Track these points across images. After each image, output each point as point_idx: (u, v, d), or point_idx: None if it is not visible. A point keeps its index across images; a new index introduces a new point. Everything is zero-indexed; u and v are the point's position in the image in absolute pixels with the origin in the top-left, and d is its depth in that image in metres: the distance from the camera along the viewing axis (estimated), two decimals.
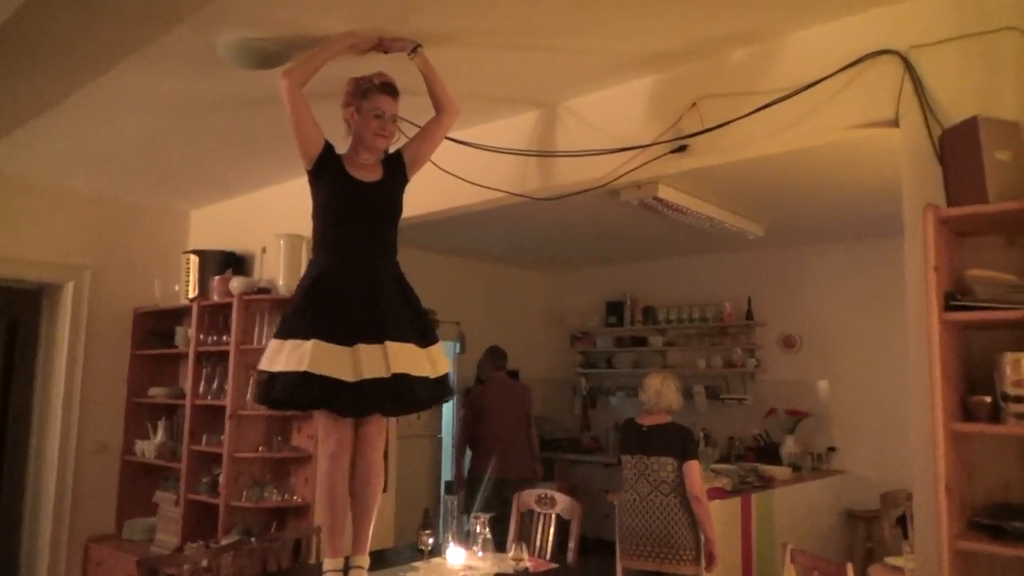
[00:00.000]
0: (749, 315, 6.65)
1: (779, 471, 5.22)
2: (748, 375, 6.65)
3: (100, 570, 4.44)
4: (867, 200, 4.84)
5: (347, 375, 2.21)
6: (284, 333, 2.31)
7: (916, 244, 2.15)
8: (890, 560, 3.48)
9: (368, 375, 2.21)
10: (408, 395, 2.29)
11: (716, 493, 4.26)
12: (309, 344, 2.22)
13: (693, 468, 3.52)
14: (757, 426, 6.35)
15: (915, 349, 2.18)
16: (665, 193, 4.50)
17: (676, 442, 3.60)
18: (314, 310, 2.31)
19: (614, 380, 7.63)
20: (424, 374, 2.33)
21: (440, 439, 6.87)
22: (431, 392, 2.38)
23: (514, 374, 6.22)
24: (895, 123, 2.33)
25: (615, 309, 7.55)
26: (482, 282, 7.46)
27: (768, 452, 5.99)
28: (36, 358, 4.90)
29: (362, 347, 2.24)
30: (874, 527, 5.48)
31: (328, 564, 2.37)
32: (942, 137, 2.10)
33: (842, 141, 3.41)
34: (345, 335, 2.26)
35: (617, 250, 6.96)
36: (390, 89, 2.42)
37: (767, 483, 4.92)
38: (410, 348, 2.32)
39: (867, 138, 3.41)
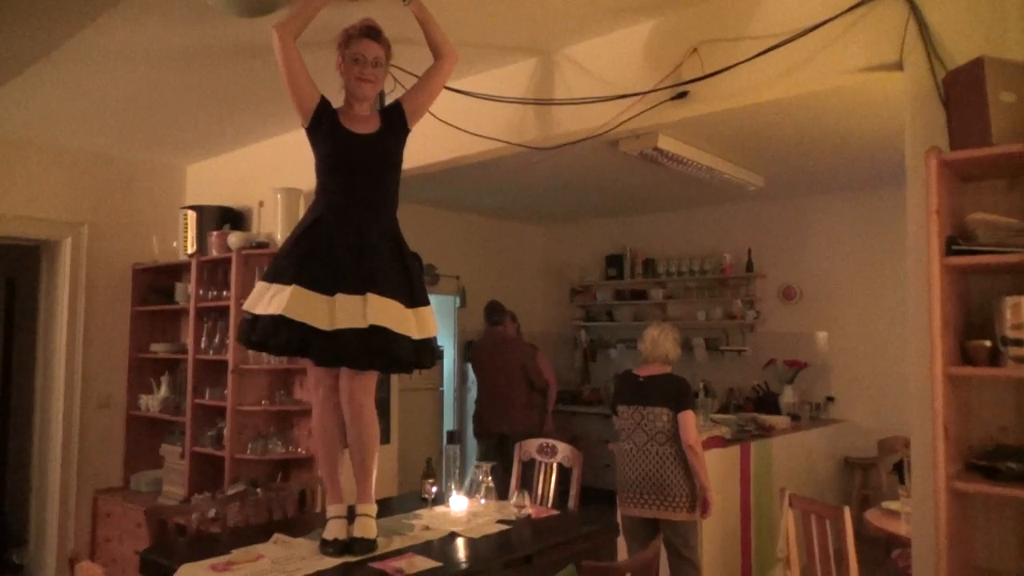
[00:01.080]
0: (749, 267, 6.65)
1: (778, 420, 5.28)
2: (747, 327, 6.69)
3: (109, 521, 4.52)
4: (867, 150, 4.80)
5: (323, 323, 2.21)
6: (270, 276, 2.32)
7: (918, 189, 2.14)
8: (886, 504, 3.53)
9: (344, 325, 2.20)
10: (384, 349, 2.23)
11: (715, 442, 4.31)
12: (289, 289, 2.23)
13: (687, 418, 3.54)
14: (756, 377, 6.40)
15: (915, 294, 2.18)
16: (665, 143, 4.45)
17: (671, 392, 3.62)
18: (300, 256, 2.31)
19: (614, 333, 7.66)
20: (406, 332, 2.28)
21: (442, 392, 6.94)
22: (412, 352, 2.32)
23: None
24: (899, 66, 2.28)
25: (615, 262, 7.55)
26: (482, 236, 7.45)
27: (767, 402, 6.05)
28: (37, 315, 4.92)
29: (342, 296, 2.23)
30: (871, 474, 5.58)
31: (331, 511, 2.40)
32: (947, 78, 2.07)
33: (844, 87, 3.38)
34: (327, 283, 2.25)
35: (617, 203, 6.93)
36: (370, 32, 2.37)
37: (766, 432, 4.97)
38: (394, 304, 2.28)
39: (868, 84, 3.37)
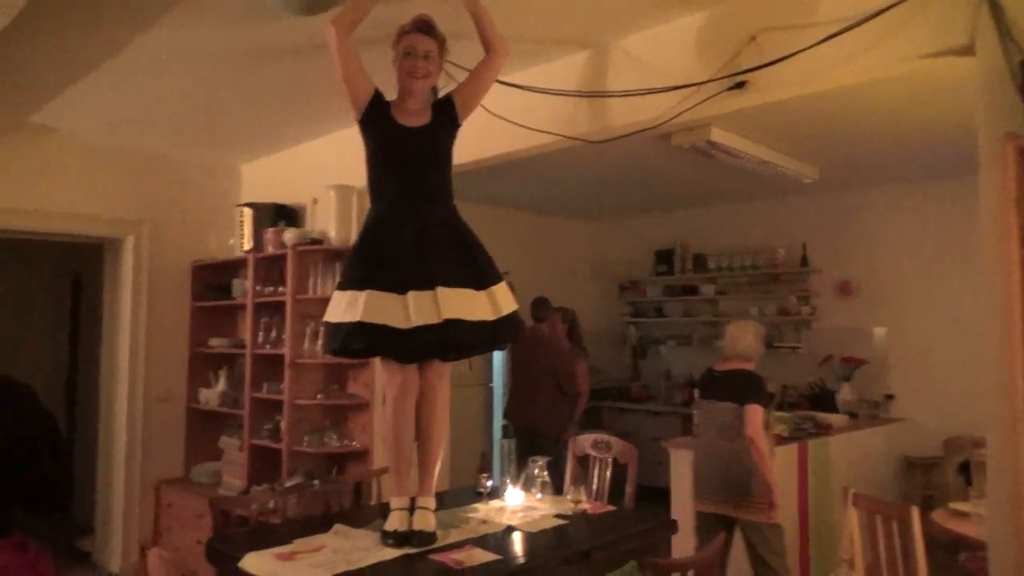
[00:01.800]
0: (804, 262, 6.50)
1: (835, 418, 5.15)
2: (803, 323, 6.53)
3: (171, 511, 4.65)
4: (927, 139, 4.63)
5: (400, 323, 2.25)
6: (343, 285, 2.38)
7: (992, 177, 2.05)
8: (954, 505, 3.42)
9: (420, 322, 2.23)
10: (460, 340, 2.30)
11: (773, 440, 4.22)
12: (363, 295, 2.27)
13: (751, 411, 3.46)
14: (811, 374, 6.25)
15: (990, 288, 2.09)
16: (718, 136, 4.37)
17: (740, 387, 3.57)
18: (367, 260, 2.36)
19: (664, 329, 7.58)
20: (481, 318, 2.31)
21: (492, 388, 6.95)
22: (489, 335, 2.36)
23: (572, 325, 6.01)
24: (970, 50, 2.20)
25: (665, 257, 7.45)
26: (529, 232, 7.43)
27: (823, 400, 5.90)
28: (101, 311, 5.08)
29: (413, 294, 2.26)
30: (933, 474, 5.40)
31: (395, 503, 2.42)
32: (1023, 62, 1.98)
33: (907, 74, 3.25)
34: (397, 283, 2.29)
35: (666, 197, 6.83)
36: (422, 26, 2.39)
37: (824, 430, 4.86)
38: (463, 293, 2.30)
39: (931, 71, 3.24)
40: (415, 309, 2.25)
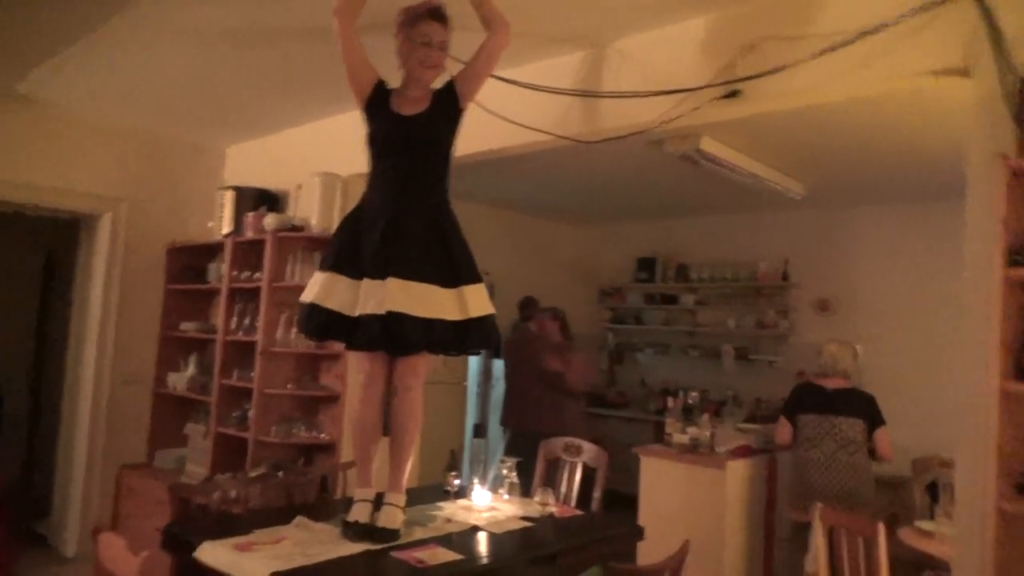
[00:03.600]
0: (785, 276, 6.53)
1: None
2: (780, 337, 6.56)
3: (131, 497, 4.55)
4: (915, 162, 4.67)
5: (347, 309, 2.24)
6: (320, 265, 2.40)
7: (979, 199, 2.06)
8: (920, 524, 3.43)
9: (365, 311, 2.20)
10: (399, 334, 2.18)
11: (742, 451, 4.22)
12: (323, 276, 2.30)
13: (884, 433, 3.87)
14: (786, 388, 6.23)
15: (970, 308, 2.09)
16: (708, 145, 4.37)
17: (865, 406, 3.89)
18: (339, 242, 2.37)
19: (642, 337, 7.57)
20: (435, 315, 2.22)
21: (466, 386, 6.91)
22: (453, 334, 2.26)
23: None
24: (966, 72, 2.20)
25: (647, 265, 7.46)
26: (513, 233, 7.39)
27: None
28: (72, 288, 4.97)
29: (366, 282, 2.24)
30: (900, 492, 5.42)
31: (358, 494, 2.38)
32: (1021, 85, 1.98)
33: (898, 95, 3.28)
34: (358, 269, 2.28)
35: (652, 206, 6.84)
36: (438, 15, 2.34)
37: None
38: (420, 288, 2.22)
39: (924, 93, 3.27)
40: (364, 297, 2.22)
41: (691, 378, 6.99)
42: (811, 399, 3.98)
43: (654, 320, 7.49)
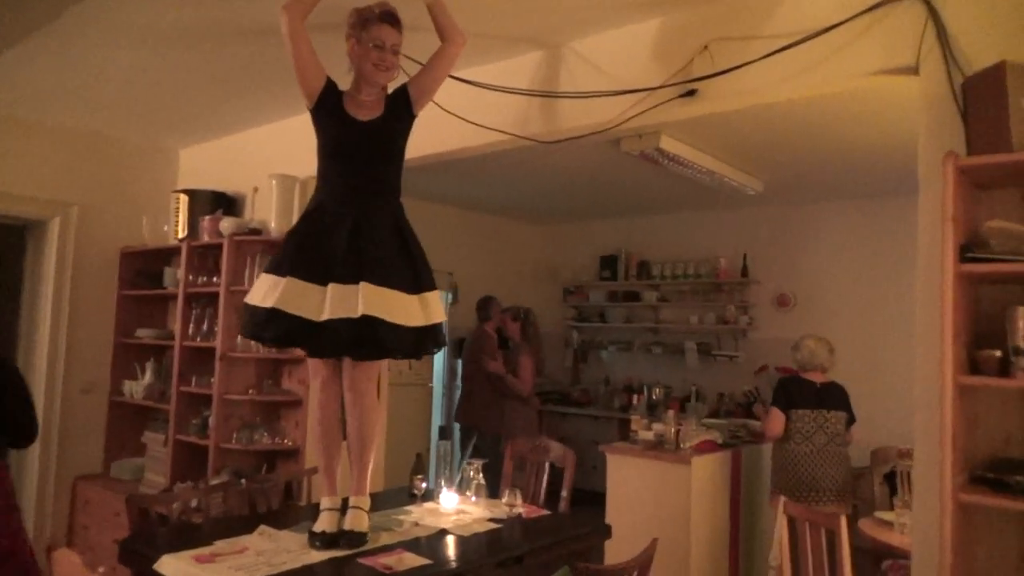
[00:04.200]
0: (744, 272, 6.62)
1: None
2: (740, 332, 6.66)
3: (88, 508, 4.43)
4: (869, 158, 4.77)
5: (314, 314, 2.18)
6: (270, 267, 2.32)
7: (931, 196, 2.10)
8: (879, 514, 3.50)
9: (335, 315, 2.16)
10: (375, 339, 2.17)
11: (707, 446, 4.27)
12: (284, 281, 2.22)
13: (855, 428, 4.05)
14: (747, 383, 6.36)
15: (924, 303, 2.14)
16: (667, 144, 4.41)
17: (846, 399, 4.03)
18: (296, 246, 2.30)
19: (606, 335, 7.62)
20: (404, 322, 2.22)
21: (431, 388, 6.88)
22: (411, 340, 2.27)
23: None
24: (915, 70, 2.24)
25: (609, 263, 7.51)
26: (476, 233, 7.38)
27: None
28: (20, 296, 4.81)
29: (334, 286, 2.19)
30: (860, 484, 5.54)
31: (324, 503, 2.35)
32: (966, 83, 2.03)
33: (852, 93, 3.34)
34: (321, 273, 2.22)
35: (613, 204, 6.88)
36: (391, 18, 2.31)
37: (757, 438, 4.93)
38: (391, 293, 2.22)
39: (877, 91, 3.34)
40: (331, 302, 2.17)
41: (655, 375, 7.07)
42: (804, 394, 4.02)
43: (617, 318, 7.54)
